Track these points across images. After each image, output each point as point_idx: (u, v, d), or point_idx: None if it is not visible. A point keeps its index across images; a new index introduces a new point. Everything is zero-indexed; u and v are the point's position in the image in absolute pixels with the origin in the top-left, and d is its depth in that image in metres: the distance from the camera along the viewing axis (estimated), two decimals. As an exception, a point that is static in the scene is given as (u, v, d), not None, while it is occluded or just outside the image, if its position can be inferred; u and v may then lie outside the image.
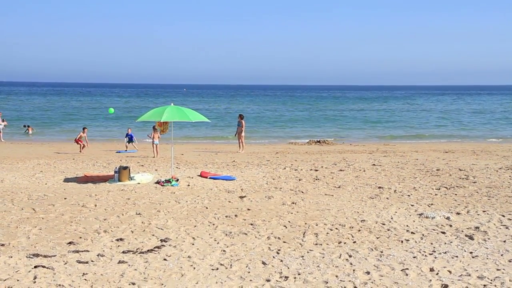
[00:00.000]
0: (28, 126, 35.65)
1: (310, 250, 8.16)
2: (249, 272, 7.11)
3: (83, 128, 24.24)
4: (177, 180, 14.30)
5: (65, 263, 7.37)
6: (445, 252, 8.04)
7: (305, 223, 9.83)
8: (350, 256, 7.85)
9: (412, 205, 11.50)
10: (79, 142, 23.08)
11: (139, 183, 14.17)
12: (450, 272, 7.14)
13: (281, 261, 7.60)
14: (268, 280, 6.80)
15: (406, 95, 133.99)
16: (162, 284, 6.63)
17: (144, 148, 24.71)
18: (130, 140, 24.06)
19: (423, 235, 9.05)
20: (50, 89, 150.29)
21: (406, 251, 8.13)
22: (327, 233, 9.18)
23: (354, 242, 8.63)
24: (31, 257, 7.63)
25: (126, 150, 23.69)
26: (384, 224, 9.82)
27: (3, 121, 30.01)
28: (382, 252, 8.06)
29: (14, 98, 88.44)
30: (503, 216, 10.46)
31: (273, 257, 7.79)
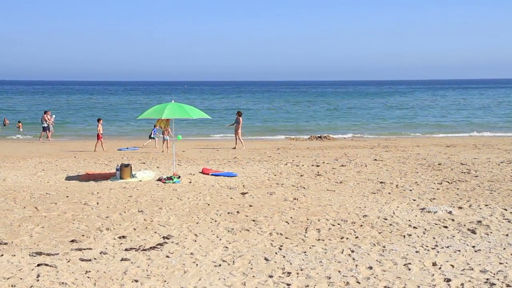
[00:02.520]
0: (19, 122, 36.34)
1: (312, 245, 8.17)
2: (251, 268, 7.12)
3: (98, 120, 24.17)
4: (179, 177, 14.31)
5: (68, 261, 7.39)
6: (448, 247, 8.04)
7: (307, 219, 9.84)
8: (352, 251, 7.85)
9: (414, 200, 11.50)
10: (99, 138, 22.97)
11: (141, 181, 14.19)
12: (452, 266, 7.15)
13: (284, 257, 7.60)
14: (270, 276, 6.81)
15: (411, 89, 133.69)
16: (165, 281, 6.64)
17: (146, 145, 24.70)
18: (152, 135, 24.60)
19: (425, 229, 9.05)
20: (51, 87, 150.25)
21: (409, 245, 8.13)
22: (329, 228, 9.18)
23: (356, 237, 8.63)
24: (34, 256, 7.64)
25: (127, 148, 23.70)
26: (386, 219, 9.82)
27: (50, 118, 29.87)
28: (384, 247, 8.07)
29: (13, 97, 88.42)
30: (506, 210, 10.45)
31: (276, 253, 7.80)
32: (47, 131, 29.07)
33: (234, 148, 23.36)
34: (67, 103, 70.84)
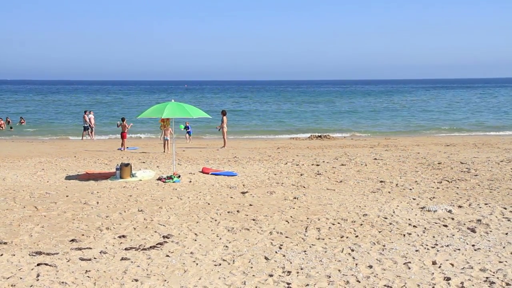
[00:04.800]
0: (8, 122, 37.02)
1: (312, 244, 8.17)
2: (251, 268, 7.12)
3: (123, 119, 24.51)
4: (179, 176, 14.31)
5: (68, 261, 7.39)
6: (447, 245, 8.04)
7: (307, 218, 9.84)
8: (352, 250, 7.86)
9: (414, 199, 11.50)
10: (125, 137, 23.15)
11: (140, 180, 14.19)
12: (452, 265, 7.15)
13: (284, 256, 7.61)
14: (270, 275, 6.81)
15: (411, 88, 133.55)
16: (165, 280, 6.64)
17: (146, 144, 24.72)
18: (189, 133, 26.91)
19: (425, 228, 9.06)
20: (50, 87, 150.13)
21: (409, 244, 8.14)
22: (329, 227, 9.19)
23: (356, 236, 8.64)
24: (34, 255, 7.64)
25: (128, 147, 23.71)
26: (386, 218, 9.82)
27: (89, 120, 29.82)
28: (384, 246, 8.07)
29: (9, 97, 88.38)
30: (505, 208, 10.45)
31: (276, 252, 7.80)
32: (88, 130, 29.20)
33: (223, 147, 23.42)
34: (66, 103, 70.78)
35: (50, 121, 43.44)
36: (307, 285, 6.47)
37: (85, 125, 29.30)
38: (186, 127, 26.85)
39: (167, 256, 7.62)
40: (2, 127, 36.19)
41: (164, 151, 21.48)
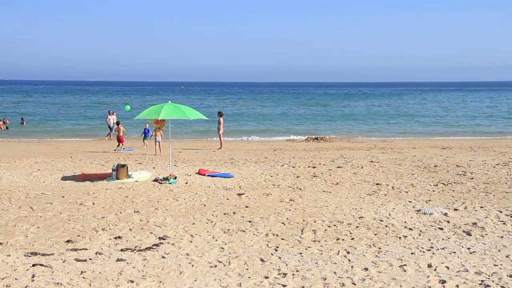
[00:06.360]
0: (4, 122, 36.86)
1: (308, 247, 8.17)
2: (247, 269, 7.12)
3: (118, 123, 24.37)
4: (175, 177, 14.30)
5: (63, 261, 7.37)
6: (443, 248, 8.06)
7: (303, 220, 9.85)
8: (348, 252, 7.87)
9: (410, 202, 11.53)
10: (122, 140, 22.93)
11: (137, 181, 14.17)
12: (448, 268, 7.17)
13: (280, 258, 7.61)
14: (266, 277, 6.81)
15: (409, 91, 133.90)
16: (161, 282, 6.64)
17: (141, 145, 24.68)
18: (145, 135, 24.68)
19: (421, 231, 9.08)
20: (49, 87, 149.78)
21: (404, 247, 8.15)
22: (325, 230, 9.20)
23: (352, 238, 8.65)
24: (29, 256, 7.62)
25: (124, 148, 23.65)
26: (382, 220, 9.84)
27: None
28: (380, 248, 8.08)
29: (9, 97, 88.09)
30: (501, 212, 10.49)
31: (272, 254, 7.80)
32: (112, 130, 29.08)
33: (220, 148, 23.40)
34: (63, 102, 70.62)
35: (47, 122, 43.30)
36: (303, 287, 6.48)
37: (110, 126, 29.23)
38: (145, 130, 24.48)
39: (163, 257, 7.62)
40: (1, 128, 36.00)
41: (156, 154, 21.19)
